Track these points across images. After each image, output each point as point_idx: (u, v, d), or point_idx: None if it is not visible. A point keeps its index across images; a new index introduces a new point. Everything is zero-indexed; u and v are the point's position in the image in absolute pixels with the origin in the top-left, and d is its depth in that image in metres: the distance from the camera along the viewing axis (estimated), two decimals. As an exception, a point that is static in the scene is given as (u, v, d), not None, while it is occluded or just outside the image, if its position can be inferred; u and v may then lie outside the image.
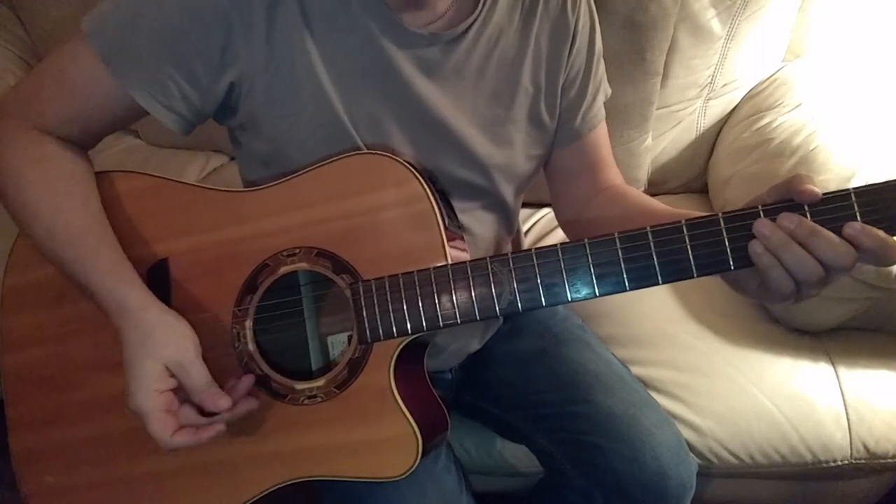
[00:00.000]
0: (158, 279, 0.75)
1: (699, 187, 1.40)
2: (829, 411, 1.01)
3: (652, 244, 0.62)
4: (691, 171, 1.39)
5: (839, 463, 1.01)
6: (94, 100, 0.71)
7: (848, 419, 1.00)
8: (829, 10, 1.28)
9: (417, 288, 0.68)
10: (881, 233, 0.56)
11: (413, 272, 0.69)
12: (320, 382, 0.72)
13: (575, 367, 0.90)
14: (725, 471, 1.03)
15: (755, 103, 1.27)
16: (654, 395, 0.95)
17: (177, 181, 0.77)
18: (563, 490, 0.90)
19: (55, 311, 0.78)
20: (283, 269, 0.73)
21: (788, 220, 0.58)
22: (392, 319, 0.69)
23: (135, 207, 0.77)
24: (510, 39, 0.78)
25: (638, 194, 0.88)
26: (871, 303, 1.03)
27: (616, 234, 0.63)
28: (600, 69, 0.88)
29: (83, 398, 0.77)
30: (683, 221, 0.62)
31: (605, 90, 0.91)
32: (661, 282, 0.63)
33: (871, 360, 1.06)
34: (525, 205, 1.00)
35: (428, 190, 0.70)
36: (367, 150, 0.74)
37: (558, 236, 1.30)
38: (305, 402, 0.73)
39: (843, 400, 1.01)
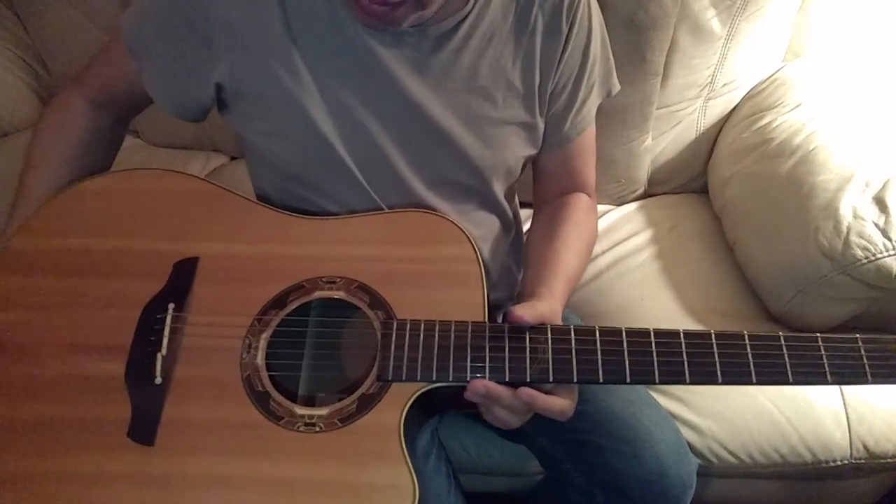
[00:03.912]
0: (183, 274, 0.75)
1: (699, 187, 1.40)
2: (829, 411, 1.01)
3: (683, 344, 0.67)
4: (691, 171, 1.38)
5: (839, 463, 1.01)
6: (125, 77, 0.82)
7: (848, 419, 1.00)
8: (829, 10, 1.28)
9: (452, 338, 0.69)
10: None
11: (451, 321, 0.70)
12: (323, 411, 0.68)
13: (575, 366, 0.89)
14: (725, 471, 1.03)
15: (755, 103, 1.27)
16: (653, 394, 0.95)
17: (234, 192, 0.81)
18: (563, 489, 0.90)
19: (53, 281, 0.75)
20: (319, 294, 0.73)
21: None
22: (419, 363, 0.68)
23: (182, 205, 0.80)
24: (503, 39, 0.78)
25: (569, 225, 0.86)
26: (871, 303, 1.03)
27: (651, 330, 0.67)
28: (594, 73, 0.86)
29: (51, 375, 0.70)
30: (713, 332, 0.67)
31: (612, 87, 0.90)
32: (688, 381, 0.66)
33: (871, 360, 1.06)
34: (525, 205, 1.00)
35: (479, 257, 0.74)
36: (428, 211, 0.79)
37: (558, 236, 1.30)
38: (301, 428, 0.68)
39: (843, 400, 1.01)
